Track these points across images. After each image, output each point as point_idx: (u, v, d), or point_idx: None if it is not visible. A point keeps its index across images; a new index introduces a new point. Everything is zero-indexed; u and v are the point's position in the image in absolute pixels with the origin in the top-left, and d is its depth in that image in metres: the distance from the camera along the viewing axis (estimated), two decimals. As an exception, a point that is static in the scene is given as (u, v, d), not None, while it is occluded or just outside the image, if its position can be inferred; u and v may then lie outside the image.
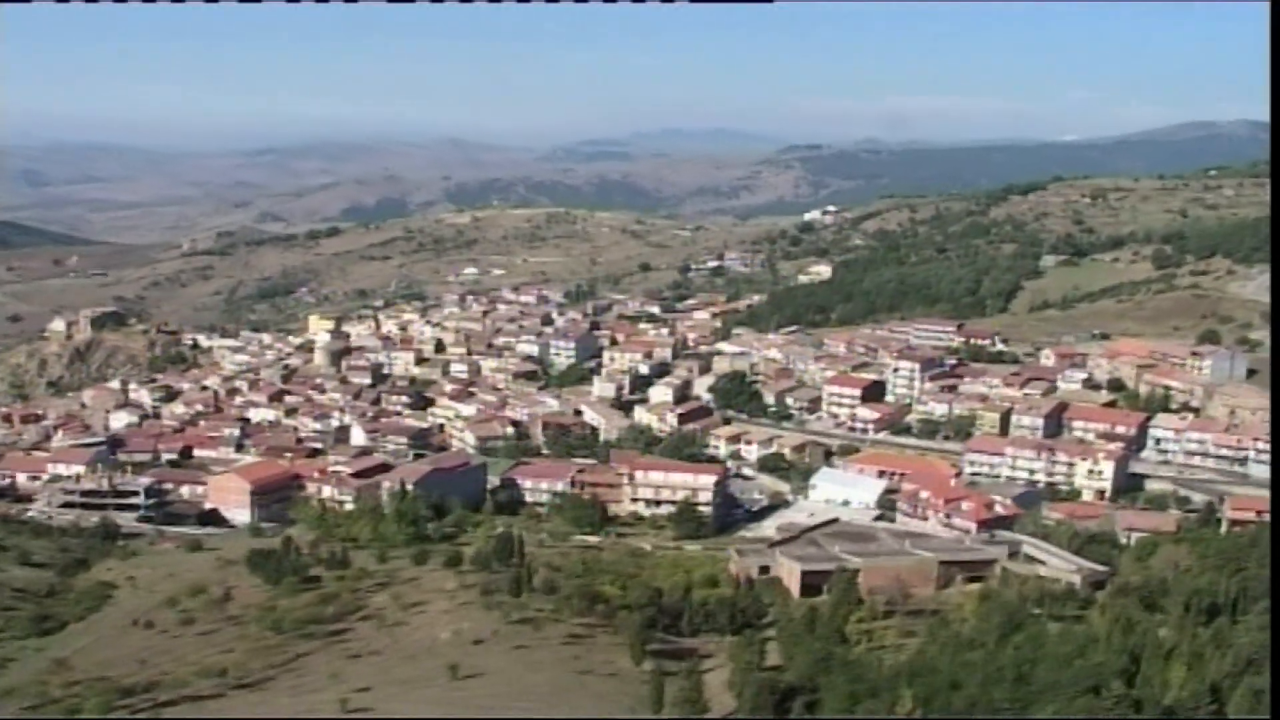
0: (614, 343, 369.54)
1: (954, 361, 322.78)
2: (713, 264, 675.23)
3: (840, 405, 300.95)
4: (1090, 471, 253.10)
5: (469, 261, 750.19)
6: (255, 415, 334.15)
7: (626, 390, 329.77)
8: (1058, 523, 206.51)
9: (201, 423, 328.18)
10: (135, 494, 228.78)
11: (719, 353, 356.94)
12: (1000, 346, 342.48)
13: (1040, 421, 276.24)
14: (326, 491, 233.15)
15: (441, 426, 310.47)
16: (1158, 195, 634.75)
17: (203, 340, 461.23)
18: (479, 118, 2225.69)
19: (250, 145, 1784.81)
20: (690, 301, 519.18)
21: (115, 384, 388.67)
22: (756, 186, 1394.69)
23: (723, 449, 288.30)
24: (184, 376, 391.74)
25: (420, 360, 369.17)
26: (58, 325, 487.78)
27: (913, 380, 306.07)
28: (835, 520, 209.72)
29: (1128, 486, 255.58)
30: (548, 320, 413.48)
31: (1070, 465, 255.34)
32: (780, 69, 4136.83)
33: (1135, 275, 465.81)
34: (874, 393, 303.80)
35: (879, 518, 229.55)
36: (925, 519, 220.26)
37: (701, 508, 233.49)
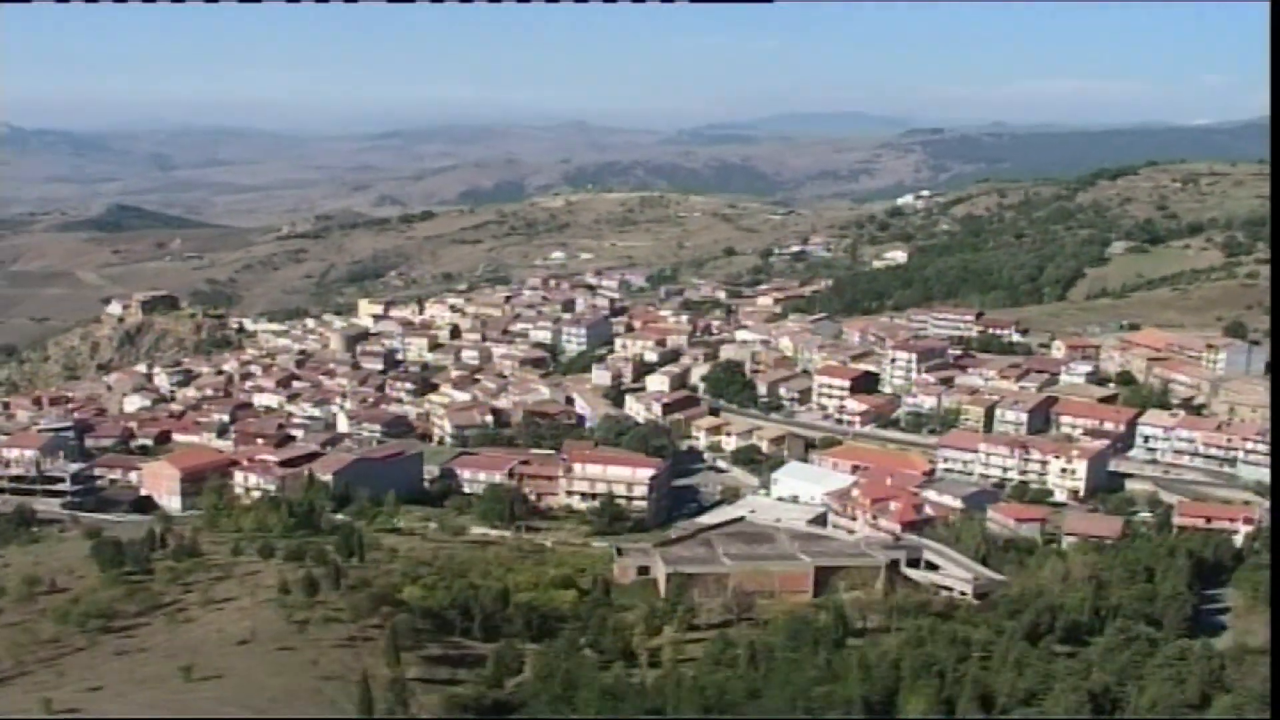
0: (629, 329, 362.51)
1: (959, 352, 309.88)
2: (795, 249, 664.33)
3: (830, 396, 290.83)
4: (1063, 470, 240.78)
5: (558, 245, 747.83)
6: (261, 400, 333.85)
7: (629, 378, 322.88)
8: (982, 526, 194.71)
9: (205, 406, 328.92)
10: (61, 480, 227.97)
11: (731, 341, 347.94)
12: (1016, 337, 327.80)
13: (1024, 416, 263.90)
14: (252, 480, 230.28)
15: (427, 414, 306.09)
16: (1252, 180, 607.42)
17: (249, 324, 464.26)
18: (606, 102, 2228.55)
19: (375, 129, 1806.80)
20: (762, 286, 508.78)
21: (142, 367, 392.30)
22: (876, 170, 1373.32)
23: (703, 440, 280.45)
24: (213, 361, 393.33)
25: (434, 346, 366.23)
26: (114, 308, 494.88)
27: (910, 371, 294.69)
28: (740, 519, 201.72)
29: (1107, 486, 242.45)
30: (569, 306, 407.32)
31: (1043, 463, 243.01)
32: (909, 54, 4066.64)
33: (1202, 263, 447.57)
34: (865, 384, 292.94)
35: (820, 516, 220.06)
36: (855, 519, 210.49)
37: (637, 502, 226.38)
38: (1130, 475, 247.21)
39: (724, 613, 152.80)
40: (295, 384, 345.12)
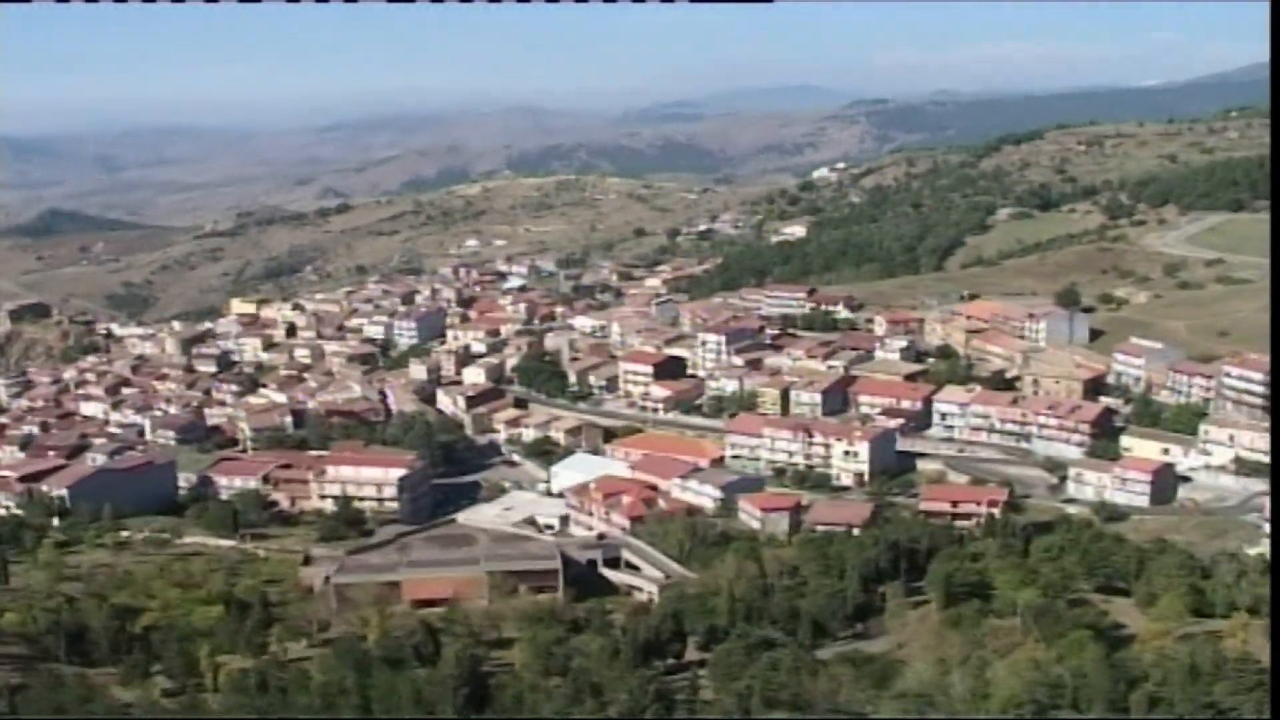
0: (464, 320, 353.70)
1: (777, 332, 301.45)
2: (703, 227, 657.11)
3: (634, 383, 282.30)
4: (846, 453, 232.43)
5: (473, 233, 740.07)
6: (88, 409, 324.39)
7: (453, 371, 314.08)
8: (683, 522, 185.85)
9: (29, 417, 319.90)
10: None
11: (569, 328, 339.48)
12: (845, 314, 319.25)
13: (819, 397, 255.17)
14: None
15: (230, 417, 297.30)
16: (1157, 140, 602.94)
17: (116, 329, 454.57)
18: (553, 84, 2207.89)
19: (323, 121, 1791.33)
20: (662, 268, 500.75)
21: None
22: (821, 143, 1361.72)
23: (502, 433, 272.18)
24: (53, 370, 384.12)
25: (269, 345, 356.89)
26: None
27: (720, 354, 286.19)
28: (450, 522, 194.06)
29: (897, 468, 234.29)
30: (409, 299, 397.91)
31: (827, 446, 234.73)
32: (857, 21, 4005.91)
33: (1087, 226, 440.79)
34: (671, 369, 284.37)
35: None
36: (591, 515, 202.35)
37: (389, 503, 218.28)
38: (923, 455, 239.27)
39: (345, 625, 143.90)
40: (125, 390, 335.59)
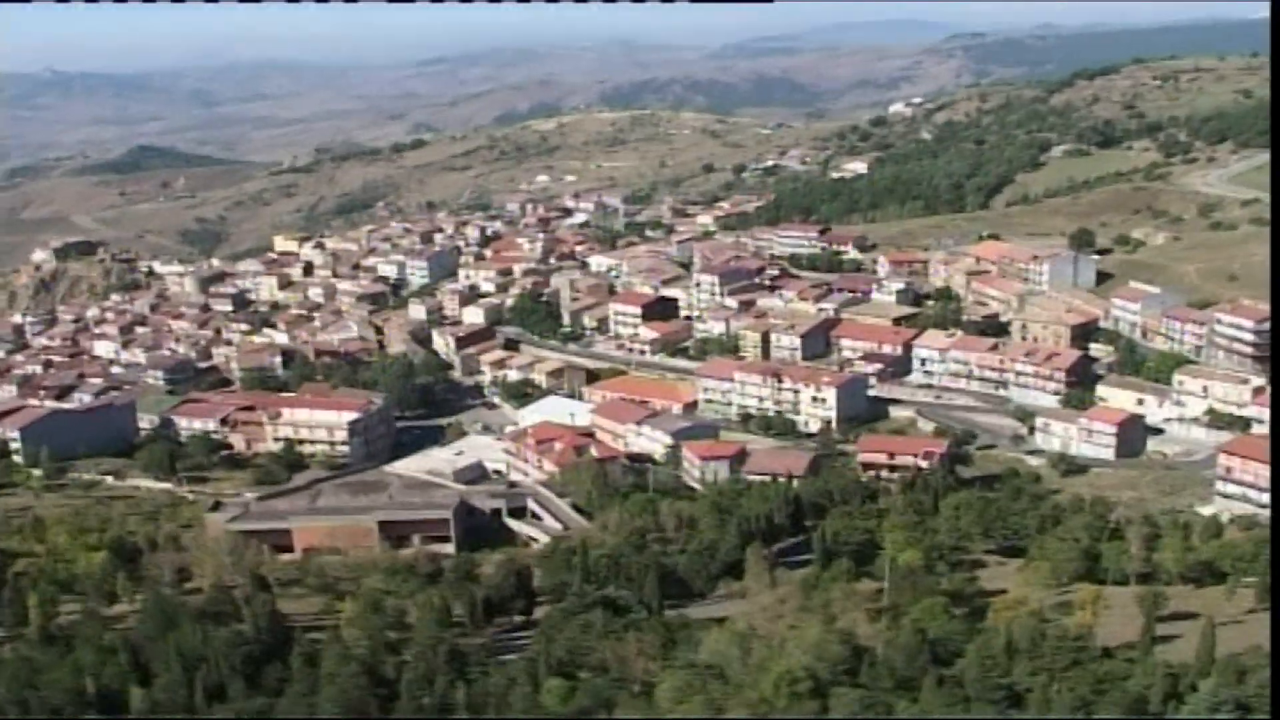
0: (479, 259, 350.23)
1: (777, 273, 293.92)
2: (770, 163, 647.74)
3: (624, 325, 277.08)
4: (814, 399, 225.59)
5: (545, 169, 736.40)
6: (101, 348, 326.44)
7: (456, 310, 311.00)
8: (591, 471, 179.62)
9: (41, 356, 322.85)
10: None
11: (583, 267, 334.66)
12: (854, 254, 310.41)
13: (798, 341, 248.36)
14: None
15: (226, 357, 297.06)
16: (1236, 75, 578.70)
17: (158, 267, 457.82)
18: (654, 17, 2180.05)
19: (422, 55, 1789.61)
20: (722, 204, 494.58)
21: (18, 317, 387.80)
22: (917, 77, 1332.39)
23: (488, 374, 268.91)
24: (96, 305, 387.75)
25: (286, 284, 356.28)
26: (39, 255, 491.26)
27: (714, 294, 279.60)
28: (376, 468, 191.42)
29: (869, 415, 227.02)
30: (428, 238, 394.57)
31: (795, 392, 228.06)
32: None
33: (1140, 164, 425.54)
34: (662, 310, 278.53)
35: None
36: (526, 460, 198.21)
37: (340, 446, 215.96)
38: (897, 402, 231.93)
39: (217, 575, 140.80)
40: (139, 329, 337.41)
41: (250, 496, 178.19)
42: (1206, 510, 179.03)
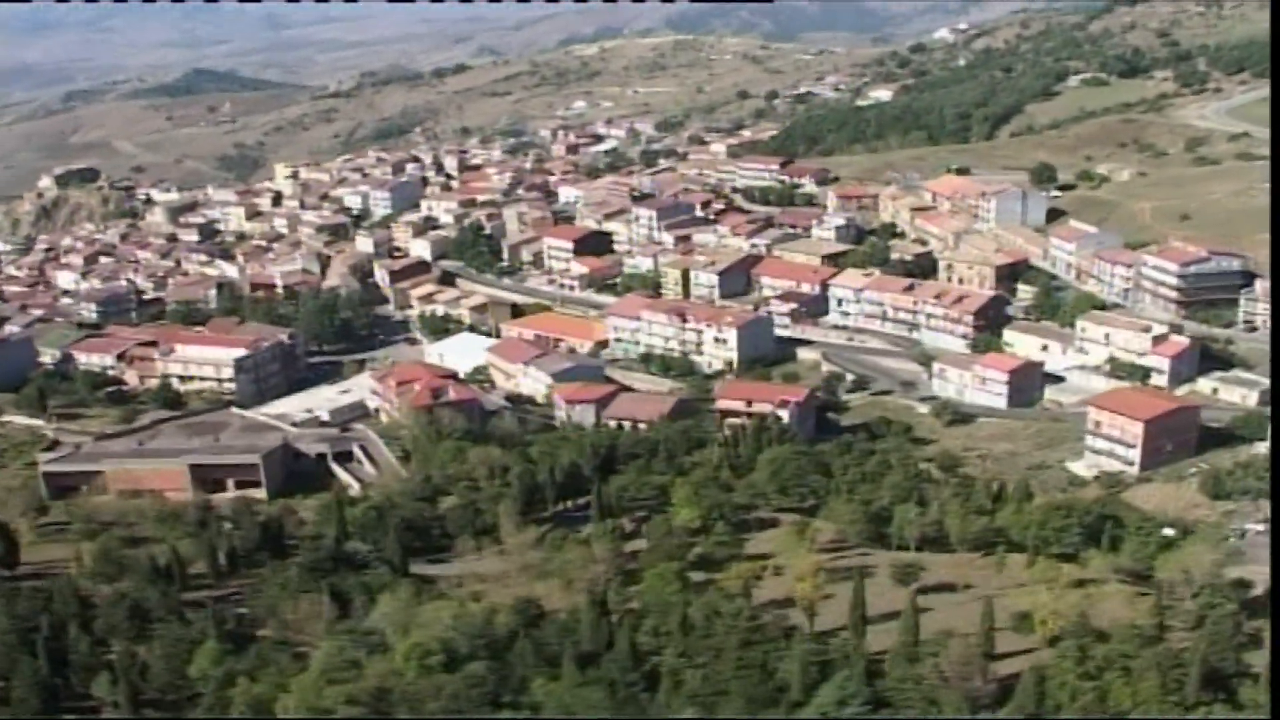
0: (446, 190, 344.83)
1: (721, 207, 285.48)
2: (802, 90, 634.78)
3: (557, 259, 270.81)
4: (716, 340, 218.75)
5: (583, 94, 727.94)
6: (62, 279, 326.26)
7: (408, 243, 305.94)
8: (418, 416, 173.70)
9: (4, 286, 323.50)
10: None
11: (549, 195, 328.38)
12: (811, 187, 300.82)
13: (715, 279, 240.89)
14: None
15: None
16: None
17: (155, 194, 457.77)
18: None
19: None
20: (745, 131, 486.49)
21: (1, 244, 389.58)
22: (988, 4, 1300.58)
23: (415, 309, 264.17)
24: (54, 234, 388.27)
25: (253, 215, 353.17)
26: (44, 182, 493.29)
27: (651, 230, 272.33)
28: (217, 409, 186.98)
29: (776, 355, 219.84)
30: (400, 168, 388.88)
31: (699, 333, 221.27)
32: None
33: (1152, 94, 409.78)
34: (596, 245, 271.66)
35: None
36: (389, 402, 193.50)
37: (228, 384, 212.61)
38: (806, 343, 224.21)
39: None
40: (104, 259, 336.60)
41: (87, 438, 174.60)
42: (1075, 466, 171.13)
